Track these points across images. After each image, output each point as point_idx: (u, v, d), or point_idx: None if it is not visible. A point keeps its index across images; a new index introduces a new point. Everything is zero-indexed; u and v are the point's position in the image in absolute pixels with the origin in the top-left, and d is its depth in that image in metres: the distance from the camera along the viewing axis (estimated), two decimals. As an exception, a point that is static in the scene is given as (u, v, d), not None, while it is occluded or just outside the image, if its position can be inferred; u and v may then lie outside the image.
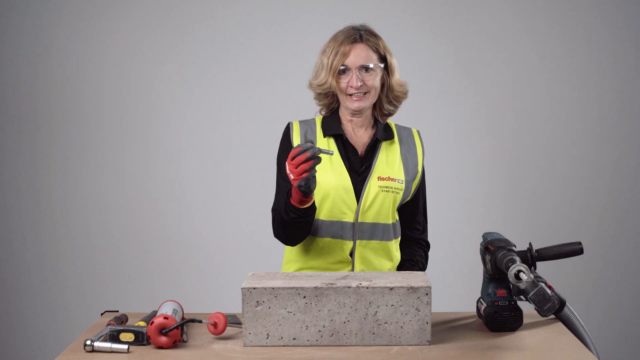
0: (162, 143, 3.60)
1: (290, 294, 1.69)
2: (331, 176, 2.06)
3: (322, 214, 2.07)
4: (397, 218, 2.16)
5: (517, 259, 1.72)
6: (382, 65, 2.07)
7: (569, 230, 3.54)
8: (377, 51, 2.07)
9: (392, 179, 2.08)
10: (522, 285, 1.68)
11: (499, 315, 1.81)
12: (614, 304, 3.60)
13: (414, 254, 2.21)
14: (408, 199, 2.16)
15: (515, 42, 3.54)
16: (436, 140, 3.58)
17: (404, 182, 2.10)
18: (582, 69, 3.54)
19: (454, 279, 3.46)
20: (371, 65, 2.04)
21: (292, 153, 1.82)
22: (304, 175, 1.83)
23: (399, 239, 2.19)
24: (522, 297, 1.82)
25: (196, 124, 3.58)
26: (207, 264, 3.61)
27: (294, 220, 1.99)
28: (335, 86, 2.05)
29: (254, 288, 1.69)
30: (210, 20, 3.55)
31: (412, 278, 1.77)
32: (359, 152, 2.11)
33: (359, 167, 2.09)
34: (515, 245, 1.84)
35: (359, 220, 2.06)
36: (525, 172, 3.58)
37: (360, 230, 2.07)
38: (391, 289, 1.69)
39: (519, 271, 1.68)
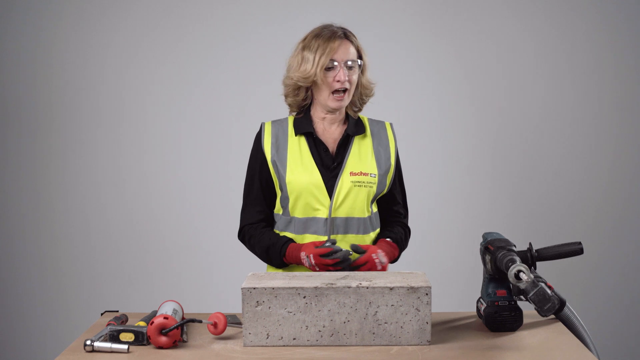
0: (161, 143, 3.59)
1: (290, 294, 1.69)
2: (302, 175, 2.10)
3: (296, 212, 2.11)
4: (375, 211, 2.19)
5: (517, 259, 1.72)
6: (360, 63, 2.12)
7: (569, 230, 3.54)
8: (357, 49, 2.13)
9: (365, 174, 2.11)
10: (522, 285, 1.68)
11: (499, 315, 1.81)
12: (613, 303, 3.60)
13: (393, 227, 2.22)
14: (385, 191, 2.18)
15: (515, 42, 3.53)
16: (436, 140, 3.58)
17: (377, 176, 2.13)
18: (582, 69, 3.54)
19: (454, 279, 3.46)
20: (354, 64, 2.09)
21: (320, 251, 1.96)
22: (325, 268, 1.98)
23: (377, 231, 2.20)
24: (522, 297, 1.82)
25: (196, 124, 3.58)
26: (207, 264, 3.61)
27: (278, 266, 2.14)
28: (321, 79, 2.07)
29: (254, 288, 1.69)
30: (210, 21, 3.55)
31: (412, 278, 1.77)
32: (330, 149, 2.14)
33: (330, 163, 2.12)
34: (515, 245, 1.84)
35: (332, 215, 2.08)
36: (526, 172, 3.58)
37: (334, 225, 2.09)
38: (391, 289, 1.69)
39: (519, 271, 1.68)
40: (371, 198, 2.13)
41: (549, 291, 1.68)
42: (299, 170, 2.10)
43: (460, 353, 1.66)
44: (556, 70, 3.55)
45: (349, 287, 1.69)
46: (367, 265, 2.01)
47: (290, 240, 2.10)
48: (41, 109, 3.58)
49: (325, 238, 2.09)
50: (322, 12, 3.52)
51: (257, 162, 2.18)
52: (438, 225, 3.45)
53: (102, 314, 2.03)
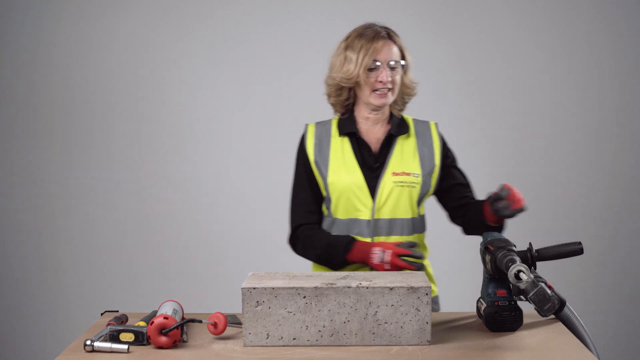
0: (161, 143, 3.59)
1: (290, 294, 1.69)
2: (345, 175, 2.08)
3: (338, 213, 2.10)
4: (422, 213, 2.16)
5: (517, 259, 1.72)
6: (403, 63, 2.09)
7: (569, 230, 3.53)
8: (400, 49, 2.10)
9: (407, 174, 2.08)
10: (522, 285, 1.68)
11: (499, 315, 1.81)
12: (614, 303, 3.60)
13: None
14: (431, 192, 2.15)
15: (516, 42, 3.53)
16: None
17: (420, 176, 2.09)
18: (581, 68, 3.54)
19: (454, 279, 3.45)
20: (397, 64, 2.07)
21: (399, 251, 1.93)
22: (396, 268, 1.94)
23: (424, 233, 2.18)
24: (522, 297, 1.82)
25: (195, 125, 3.58)
26: (207, 264, 3.61)
27: (336, 265, 2.07)
28: (364, 80, 2.05)
29: (254, 288, 1.69)
30: (210, 21, 3.55)
31: (412, 278, 1.77)
32: (373, 149, 2.11)
33: (372, 163, 2.10)
34: (515, 245, 1.83)
35: (375, 216, 2.06)
36: (525, 172, 3.58)
37: (377, 227, 2.07)
38: (391, 289, 1.69)
39: (519, 271, 1.68)
40: (415, 199, 2.10)
41: (549, 291, 1.68)
42: (341, 171, 2.08)
43: (460, 353, 1.66)
44: (556, 70, 3.55)
45: (349, 287, 1.69)
46: (511, 194, 1.92)
47: (354, 239, 2.05)
48: (41, 108, 3.58)
49: (368, 239, 2.07)
50: (322, 12, 3.54)
51: (301, 164, 2.15)
52: (438, 225, 3.45)
53: (102, 314, 2.03)
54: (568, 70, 3.54)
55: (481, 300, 1.90)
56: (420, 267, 1.93)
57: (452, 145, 3.56)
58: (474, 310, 2.02)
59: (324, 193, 2.13)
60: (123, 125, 3.58)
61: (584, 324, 1.96)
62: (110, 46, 3.55)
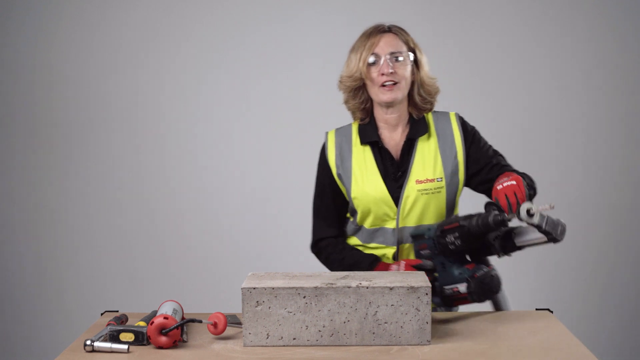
0: (162, 144, 3.59)
1: (290, 294, 1.69)
2: (368, 189, 2.05)
3: (365, 223, 2.09)
4: (456, 213, 2.11)
5: (500, 211, 1.74)
6: (411, 57, 2.05)
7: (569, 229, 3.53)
8: (407, 43, 2.06)
9: (431, 180, 2.04)
10: (536, 220, 1.71)
11: (485, 284, 1.83)
12: (613, 303, 3.60)
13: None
14: (461, 187, 2.10)
15: (516, 42, 3.53)
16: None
17: (443, 179, 2.05)
18: (583, 68, 3.54)
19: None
20: (401, 56, 2.02)
21: (412, 262, 1.93)
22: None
23: None
24: (500, 254, 1.82)
25: (195, 125, 3.58)
26: (207, 264, 3.61)
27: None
28: (365, 74, 2.02)
29: (254, 288, 1.69)
30: (210, 20, 3.55)
31: (412, 278, 1.77)
32: (395, 156, 2.07)
33: (395, 173, 2.06)
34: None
35: (400, 225, 2.05)
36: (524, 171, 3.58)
37: (403, 235, 2.06)
38: (391, 288, 1.69)
39: (529, 209, 1.71)
40: (443, 203, 2.06)
41: (553, 216, 1.71)
42: (364, 185, 2.05)
43: (460, 353, 1.66)
44: (556, 70, 3.54)
45: (349, 287, 1.69)
46: (510, 178, 1.82)
47: (378, 258, 2.06)
48: (40, 108, 3.58)
49: (394, 248, 2.07)
50: (322, 13, 3.54)
51: (324, 174, 2.12)
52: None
53: (102, 314, 2.03)
54: (569, 69, 3.54)
55: (453, 286, 1.88)
56: (432, 267, 1.91)
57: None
58: (474, 310, 2.02)
59: (348, 201, 2.11)
60: (123, 125, 3.58)
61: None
62: (111, 46, 3.55)
